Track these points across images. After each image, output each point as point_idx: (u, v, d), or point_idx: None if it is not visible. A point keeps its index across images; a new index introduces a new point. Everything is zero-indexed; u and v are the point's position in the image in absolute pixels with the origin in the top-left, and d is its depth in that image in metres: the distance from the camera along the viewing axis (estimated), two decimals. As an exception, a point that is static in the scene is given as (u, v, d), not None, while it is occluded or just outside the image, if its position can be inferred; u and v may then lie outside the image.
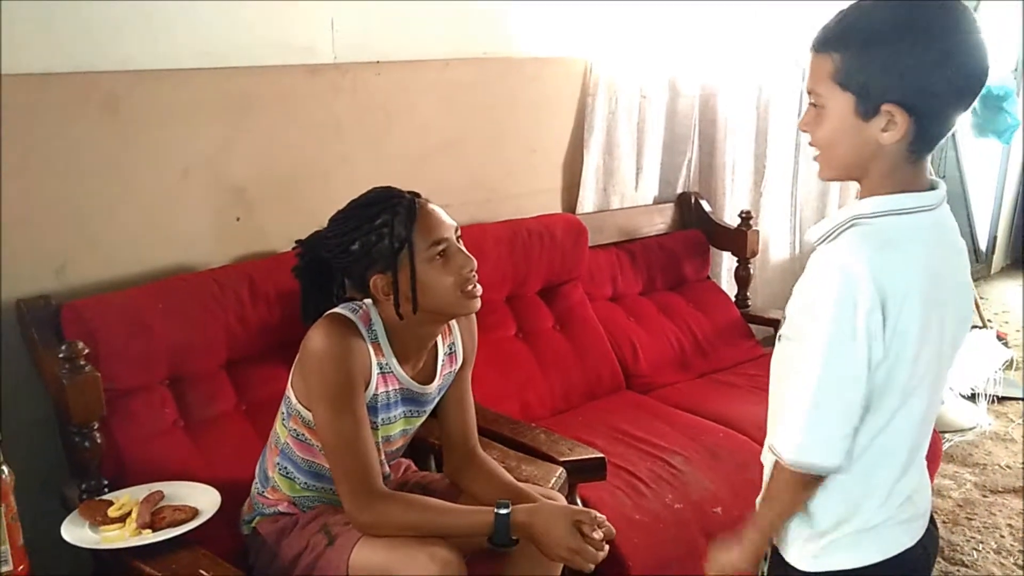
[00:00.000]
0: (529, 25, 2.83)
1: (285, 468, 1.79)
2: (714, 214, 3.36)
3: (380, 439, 1.78)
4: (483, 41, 2.74)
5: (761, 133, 3.54)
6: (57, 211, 2.01)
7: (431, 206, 1.70)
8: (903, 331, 1.16)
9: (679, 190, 3.37)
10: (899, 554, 1.29)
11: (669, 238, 3.27)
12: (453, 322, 1.86)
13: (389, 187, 1.73)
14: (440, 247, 1.67)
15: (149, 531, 1.66)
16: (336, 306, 1.73)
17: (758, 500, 1.39)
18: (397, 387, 1.76)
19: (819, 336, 1.16)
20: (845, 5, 1.21)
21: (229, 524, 1.86)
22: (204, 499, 1.77)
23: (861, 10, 1.18)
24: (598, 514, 1.65)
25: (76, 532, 1.67)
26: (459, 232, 1.72)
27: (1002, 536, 2.85)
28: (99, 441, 1.81)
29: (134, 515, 1.69)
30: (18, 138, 1.92)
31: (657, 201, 3.32)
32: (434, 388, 1.83)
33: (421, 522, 1.64)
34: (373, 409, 1.72)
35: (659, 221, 3.28)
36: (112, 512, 1.70)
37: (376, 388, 1.71)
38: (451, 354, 1.87)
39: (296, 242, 1.80)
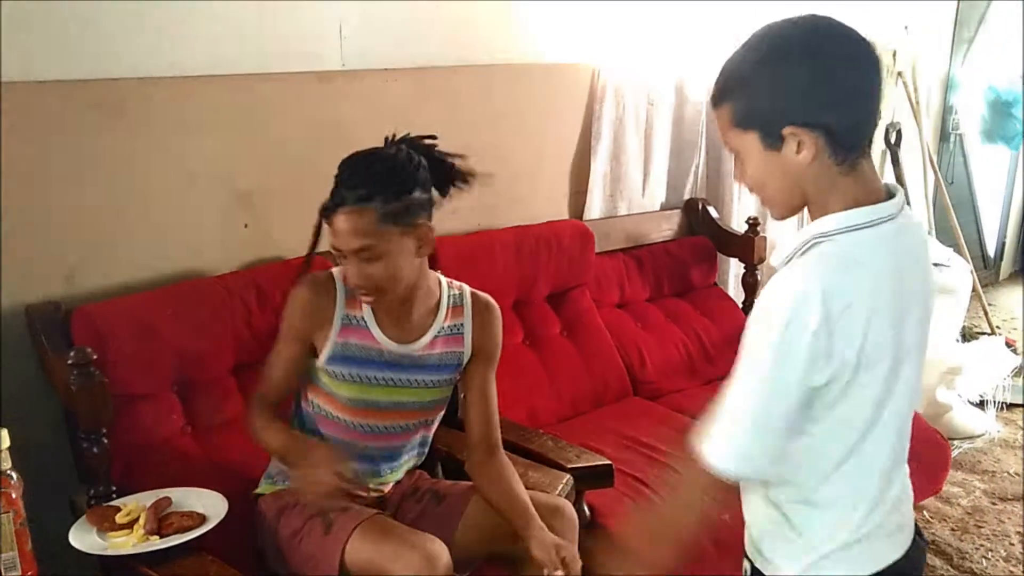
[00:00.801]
0: (537, 32, 2.83)
1: (301, 417, 1.89)
2: (721, 220, 3.36)
3: (364, 402, 1.81)
4: (491, 48, 2.75)
5: (768, 139, 3.53)
6: (66, 217, 2.01)
7: (340, 219, 1.68)
8: (869, 345, 1.16)
9: (686, 196, 3.37)
10: (888, 566, 1.28)
11: (676, 244, 3.27)
12: (467, 305, 1.89)
13: (346, 163, 1.75)
14: (339, 253, 1.72)
15: (156, 537, 1.67)
16: None
17: (745, 509, 1.39)
18: (373, 344, 1.80)
19: (761, 351, 1.17)
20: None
21: (237, 529, 1.86)
22: (211, 505, 1.77)
23: (735, 58, 1.23)
24: None
25: (84, 538, 1.68)
26: (367, 253, 1.68)
27: (1012, 544, 2.84)
28: (107, 447, 1.82)
29: (141, 521, 1.69)
30: (27, 145, 1.93)
31: (664, 207, 3.31)
32: (417, 352, 1.83)
33: (261, 435, 1.79)
34: (341, 358, 1.79)
35: (666, 227, 3.28)
36: (120, 518, 1.70)
37: (339, 336, 1.79)
38: (456, 336, 1.87)
39: None
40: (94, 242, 2.06)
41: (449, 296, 1.88)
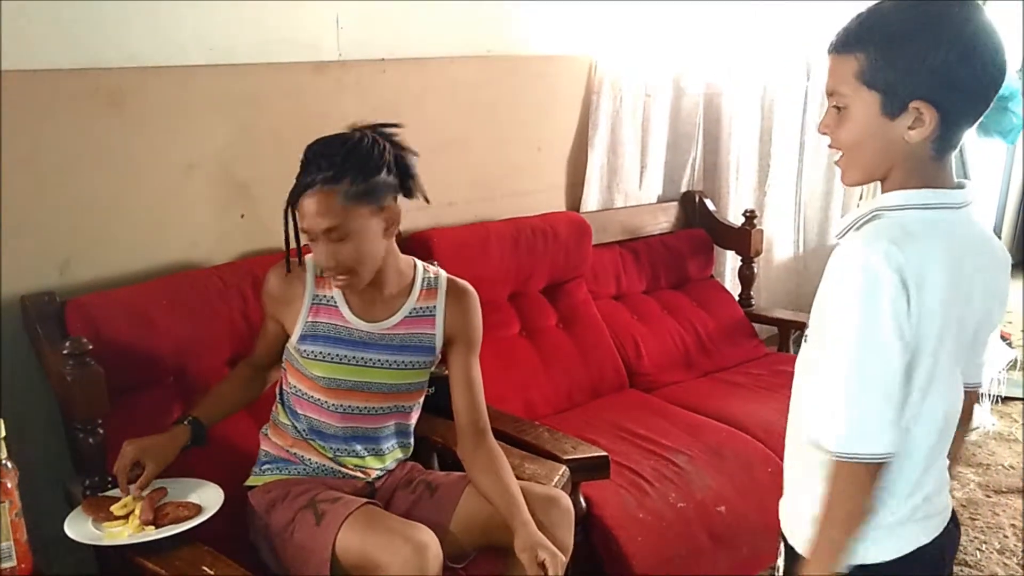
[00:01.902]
0: (534, 23, 2.82)
1: (281, 395, 1.93)
2: (718, 213, 3.36)
3: (334, 381, 1.85)
4: (488, 39, 2.74)
5: (765, 132, 3.54)
6: (62, 207, 2.01)
7: (308, 200, 1.71)
8: (924, 324, 1.16)
9: (683, 189, 3.37)
10: (914, 551, 1.28)
11: (673, 237, 3.27)
12: (441, 288, 1.91)
13: (314, 146, 1.77)
14: (309, 235, 1.75)
15: (152, 528, 1.66)
16: None
17: (781, 503, 1.38)
18: (341, 323, 1.84)
19: (848, 327, 1.15)
20: (851, 4, 1.20)
21: (233, 520, 1.86)
22: (207, 496, 1.77)
23: (881, 11, 1.18)
24: None
25: (79, 528, 1.67)
26: (335, 233, 1.71)
27: (1005, 536, 2.85)
28: (103, 437, 1.81)
29: (137, 512, 1.69)
30: (23, 134, 1.92)
31: (661, 200, 3.31)
32: (383, 331, 1.85)
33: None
34: (311, 337, 1.84)
35: (663, 220, 3.28)
36: (116, 510, 1.70)
37: (310, 316, 1.84)
38: (428, 317, 1.89)
39: None
40: (90, 232, 2.05)
41: (423, 279, 1.90)
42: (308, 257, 1.84)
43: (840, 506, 1.22)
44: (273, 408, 1.96)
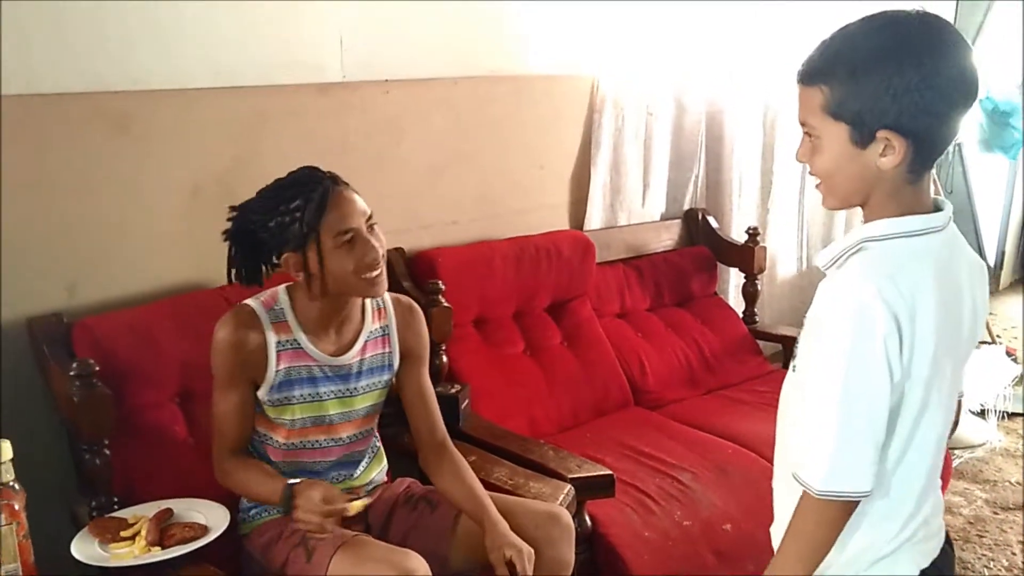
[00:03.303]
0: (536, 43, 2.84)
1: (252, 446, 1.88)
2: (721, 230, 3.37)
3: (316, 419, 1.83)
4: (491, 59, 2.76)
5: (768, 149, 3.55)
6: (68, 229, 2.02)
7: (346, 193, 1.74)
8: (917, 354, 1.15)
9: (686, 207, 3.37)
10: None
11: (676, 254, 3.27)
12: (389, 307, 1.91)
13: (312, 169, 1.78)
14: (347, 236, 1.72)
15: (158, 548, 1.66)
16: (260, 272, 1.83)
17: (772, 530, 1.37)
18: (312, 363, 1.81)
19: (838, 363, 1.14)
20: (857, 15, 1.19)
21: (238, 540, 1.86)
22: (213, 516, 1.77)
23: (844, 38, 1.17)
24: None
25: (86, 549, 1.67)
26: (372, 219, 1.76)
27: (1013, 553, 2.83)
28: (109, 458, 1.82)
29: (143, 532, 1.69)
30: (29, 156, 1.94)
31: (664, 217, 3.32)
32: (352, 360, 1.85)
33: (240, 485, 1.79)
34: (286, 383, 1.79)
35: (666, 237, 3.28)
36: (124, 532, 1.70)
37: (278, 365, 1.78)
38: (384, 337, 1.90)
39: (230, 207, 1.83)
40: (96, 254, 2.06)
41: (373, 301, 1.90)
42: (251, 302, 1.79)
43: (808, 541, 1.22)
44: None
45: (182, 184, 2.17)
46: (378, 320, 1.90)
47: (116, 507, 1.82)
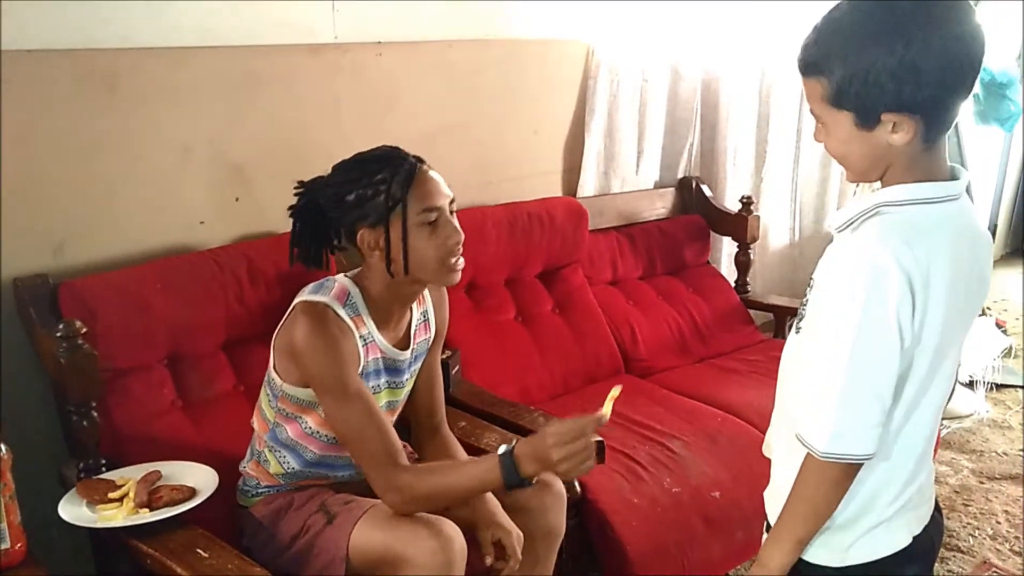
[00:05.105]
0: (531, 7, 2.81)
1: (272, 446, 1.81)
2: (715, 199, 3.35)
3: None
4: (485, 23, 2.72)
5: (763, 119, 3.53)
6: (55, 189, 1.99)
7: (432, 173, 1.72)
8: (928, 321, 1.15)
9: (680, 175, 3.36)
10: (909, 544, 1.28)
11: (669, 223, 3.26)
12: (426, 291, 1.87)
13: (396, 148, 1.74)
14: (432, 215, 1.68)
15: (146, 510, 1.66)
16: (322, 254, 1.77)
17: (766, 493, 1.37)
18: (379, 356, 1.77)
19: (849, 325, 1.13)
20: None
21: (226, 503, 1.86)
22: (201, 479, 1.77)
23: (834, 25, 1.16)
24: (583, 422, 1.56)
25: (73, 511, 1.67)
26: (454, 205, 1.73)
27: (998, 522, 2.86)
28: (97, 420, 1.81)
29: (131, 494, 1.69)
30: (17, 115, 1.90)
31: (658, 185, 3.31)
32: (409, 354, 1.83)
33: (442, 485, 1.63)
34: (365, 376, 1.74)
35: (660, 205, 3.27)
36: (112, 495, 1.70)
37: (365, 358, 1.73)
38: (424, 322, 1.88)
39: (297, 183, 1.79)
40: (84, 214, 2.04)
41: None
42: (323, 298, 1.68)
43: (810, 503, 1.23)
44: (251, 453, 1.88)
45: (171, 144, 2.15)
46: (421, 305, 1.87)
47: (104, 469, 1.82)
